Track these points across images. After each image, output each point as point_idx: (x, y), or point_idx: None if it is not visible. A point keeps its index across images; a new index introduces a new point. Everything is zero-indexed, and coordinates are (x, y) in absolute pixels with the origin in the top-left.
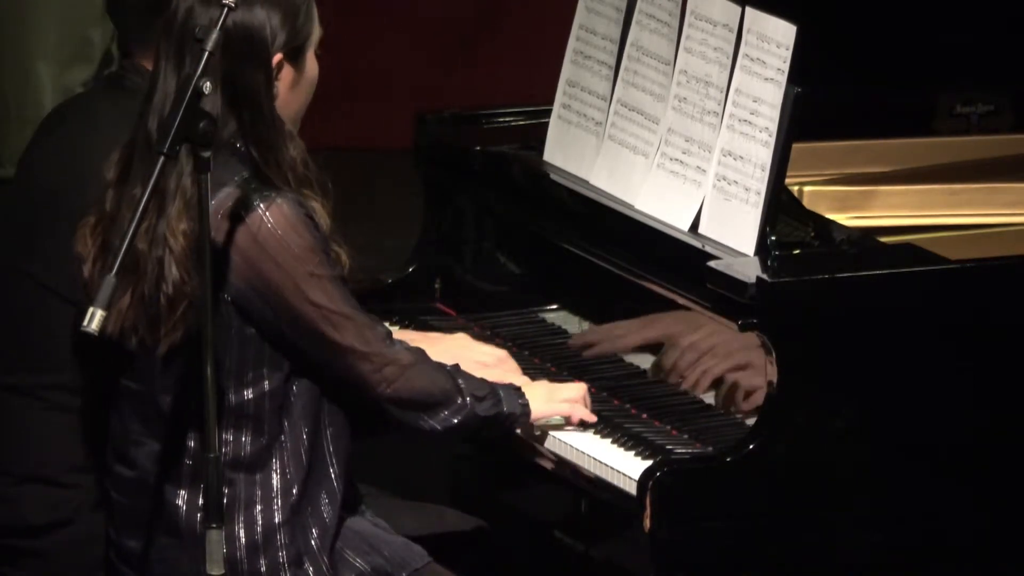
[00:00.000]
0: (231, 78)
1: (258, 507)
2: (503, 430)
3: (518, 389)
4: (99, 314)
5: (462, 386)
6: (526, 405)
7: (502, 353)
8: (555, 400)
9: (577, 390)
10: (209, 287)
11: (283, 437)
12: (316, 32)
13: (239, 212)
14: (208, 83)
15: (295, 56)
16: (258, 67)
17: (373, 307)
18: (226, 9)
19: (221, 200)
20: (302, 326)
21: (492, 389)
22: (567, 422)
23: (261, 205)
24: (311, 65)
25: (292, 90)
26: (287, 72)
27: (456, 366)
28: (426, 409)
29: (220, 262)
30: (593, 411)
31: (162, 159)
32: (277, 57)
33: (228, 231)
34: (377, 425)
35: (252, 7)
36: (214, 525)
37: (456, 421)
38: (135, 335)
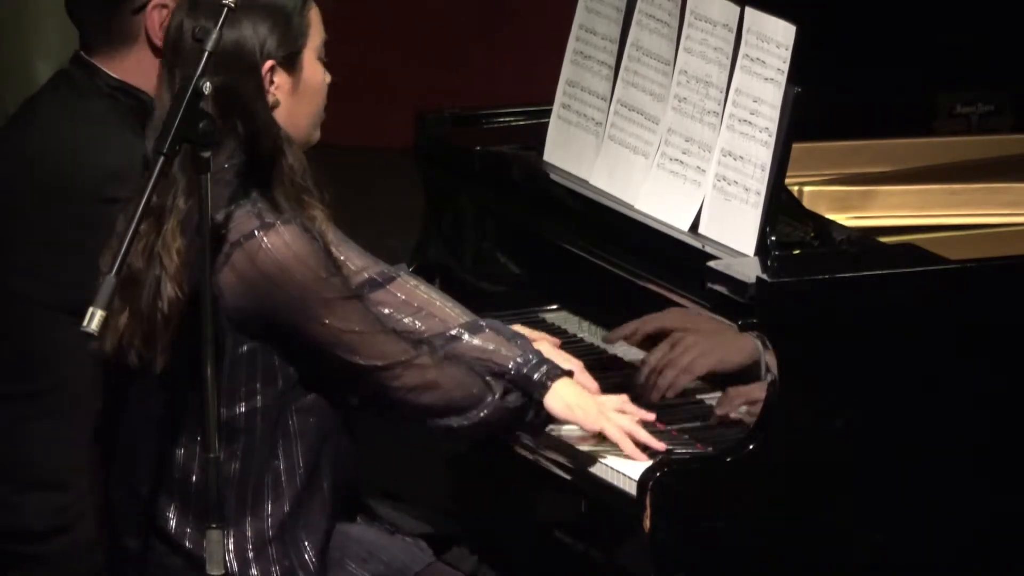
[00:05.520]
0: (222, 89)
1: (248, 521)
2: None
3: (551, 362)
4: (99, 314)
5: (489, 381)
6: (555, 371)
7: (576, 364)
8: (608, 412)
9: (620, 402)
10: (209, 285)
11: (278, 455)
12: (316, 37)
13: (237, 238)
14: (208, 83)
15: (290, 62)
16: (246, 74)
17: None
18: (226, 9)
19: (219, 223)
20: (319, 351)
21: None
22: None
23: (258, 232)
24: (312, 71)
25: (293, 96)
26: (283, 78)
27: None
28: (455, 409)
29: (215, 283)
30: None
31: (161, 159)
32: (268, 63)
33: (226, 253)
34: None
35: (237, 19)
36: (214, 525)
37: (485, 414)
38: (132, 350)
